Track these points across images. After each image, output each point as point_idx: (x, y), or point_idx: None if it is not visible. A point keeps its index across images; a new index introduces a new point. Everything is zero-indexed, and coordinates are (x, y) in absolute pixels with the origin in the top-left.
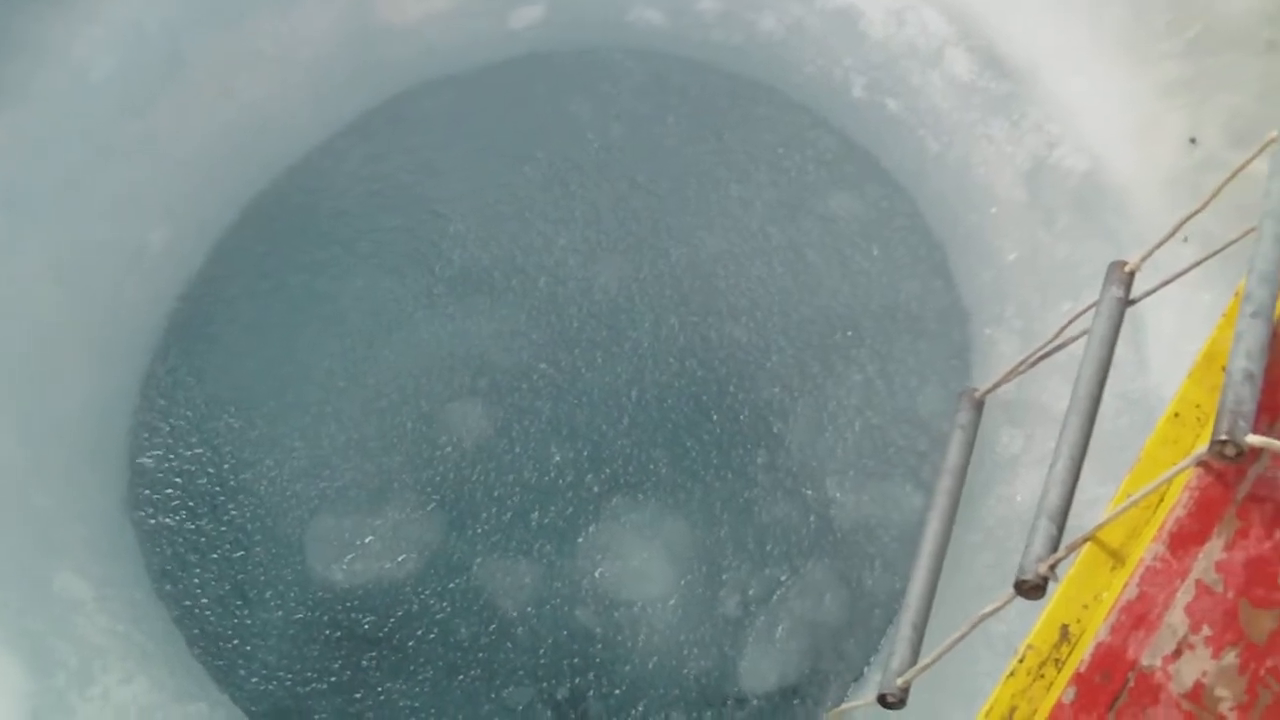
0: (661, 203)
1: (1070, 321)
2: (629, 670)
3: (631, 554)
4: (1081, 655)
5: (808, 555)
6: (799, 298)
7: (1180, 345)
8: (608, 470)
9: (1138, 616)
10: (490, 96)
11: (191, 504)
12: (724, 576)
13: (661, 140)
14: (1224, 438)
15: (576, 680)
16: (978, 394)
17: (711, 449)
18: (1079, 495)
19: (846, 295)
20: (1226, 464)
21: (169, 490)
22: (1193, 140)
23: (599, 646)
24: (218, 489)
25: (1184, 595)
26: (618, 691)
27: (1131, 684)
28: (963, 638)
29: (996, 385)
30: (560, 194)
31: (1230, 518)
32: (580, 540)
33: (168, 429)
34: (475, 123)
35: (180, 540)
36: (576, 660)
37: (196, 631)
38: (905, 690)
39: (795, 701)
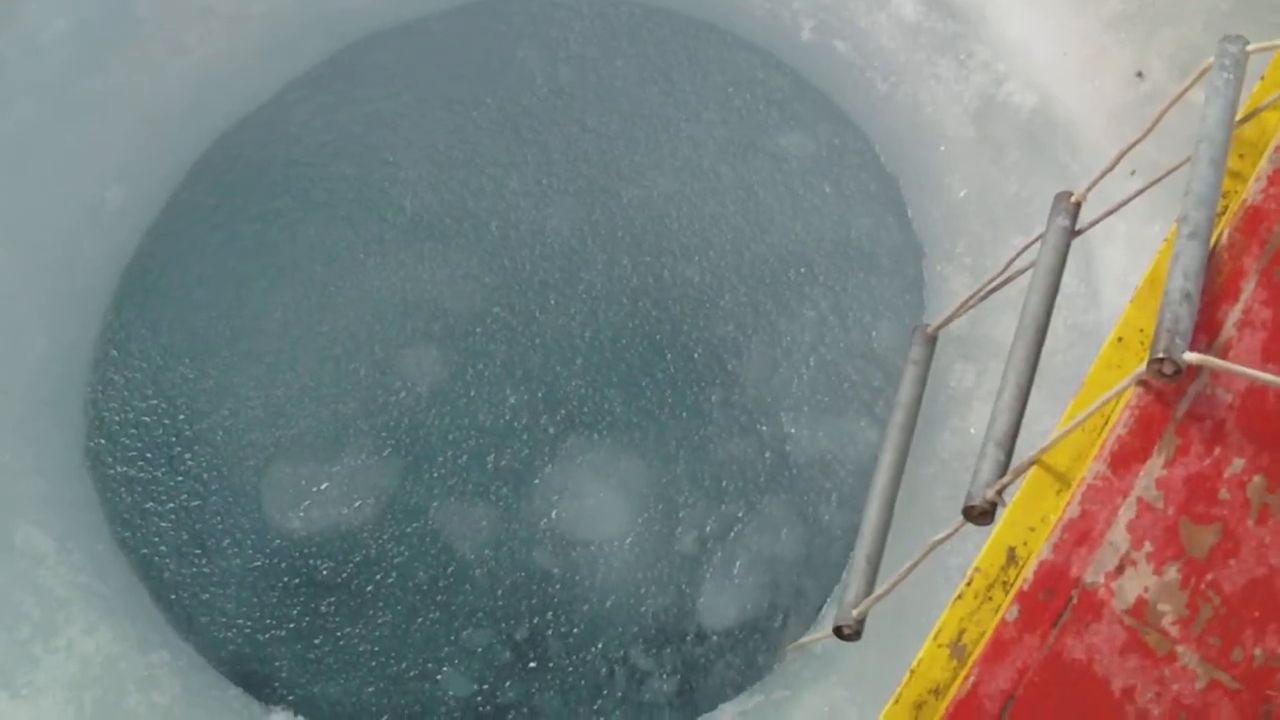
0: (612, 145)
1: (1018, 254)
2: (587, 609)
3: (588, 494)
4: (1024, 574)
5: (764, 491)
6: (751, 236)
7: (1130, 278)
8: (563, 411)
9: (1080, 534)
10: (439, 45)
11: (149, 455)
12: (681, 514)
13: (611, 83)
14: (1161, 355)
15: (535, 620)
16: (930, 329)
17: (666, 388)
18: (1032, 427)
19: (799, 233)
20: (1166, 383)
21: (125, 441)
22: (1139, 74)
23: (557, 587)
24: (174, 439)
25: (1126, 513)
26: (576, 630)
27: (1075, 601)
28: (915, 566)
29: (948, 320)
30: (510, 139)
31: (1170, 436)
32: (537, 482)
33: (123, 381)
34: (424, 71)
35: (139, 491)
36: (535, 601)
37: (157, 581)
38: (861, 621)
39: (754, 636)
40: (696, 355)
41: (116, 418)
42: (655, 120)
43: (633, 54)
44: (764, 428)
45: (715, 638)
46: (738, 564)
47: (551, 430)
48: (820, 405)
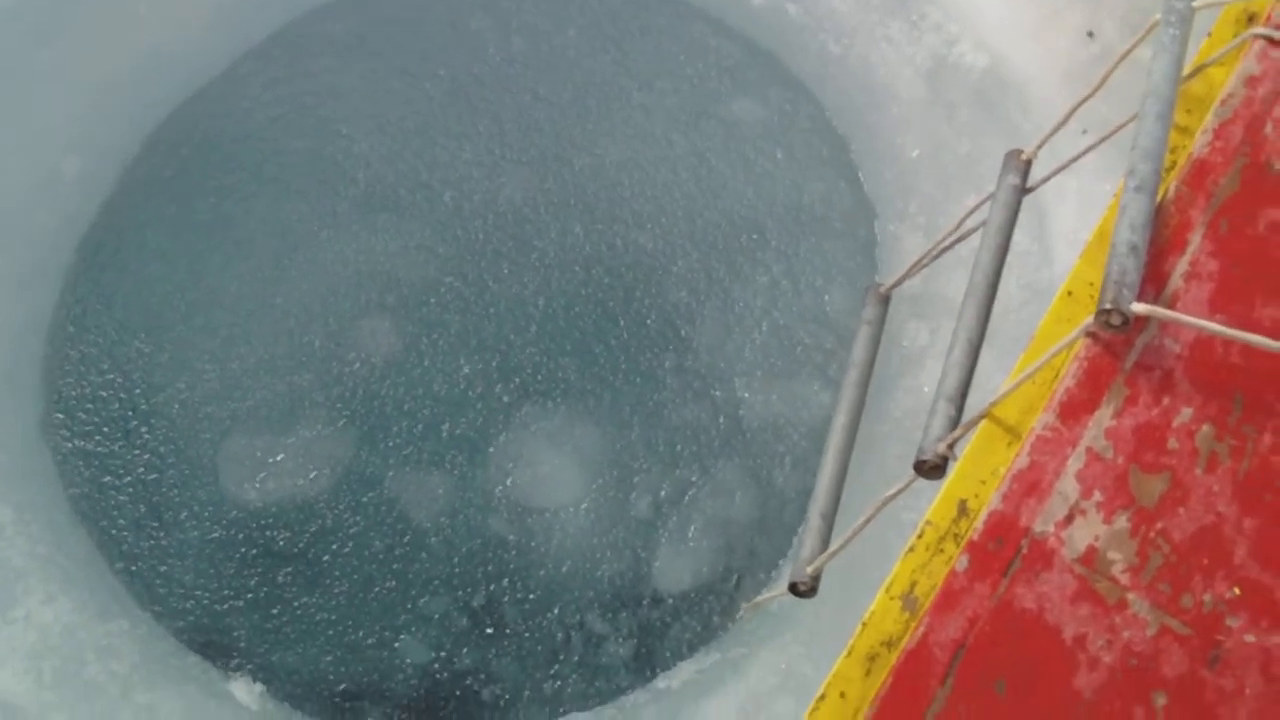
0: (564, 114)
1: (970, 212)
2: (543, 575)
3: (543, 461)
4: (974, 525)
5: (718, 455)
6: (704, 202)
7: (1081, 235)
8: (517, 380)
9: (1029, 484)
10: (391, 16)
11: (106, 429)
12: (635, 479)
13: (563, 52)
14: (1109, 307)
15: (491, 587)
16: (883, 289)
17: (620, 354)
18: (985, 384)
19: (751, 198)
20: (1114, 334)
21: (83, 415)
22: (1090, 34)
23: (513, 553)
24: (131, 413)
25: (1075, 463)
26: (533, 596)
27: (1025, 550)
28: (868, 521)
29: (901, 279)
30: (463, 109)
31: (1119, 386)
32: (492, 450)
33: (79, 356)
34: (376, 43)
35: (96, 464)
36: (491, 568)
37: (115, 553)
38: (816, 578)
39: (709, 599)
40: (650, 322)
41: (73, 392)
42: (607, 89)
43: (585, 23)
44: (717, 392)
45: (671, 601)
46: (692, 528)
47: (506, 398)
48: (773, 369)
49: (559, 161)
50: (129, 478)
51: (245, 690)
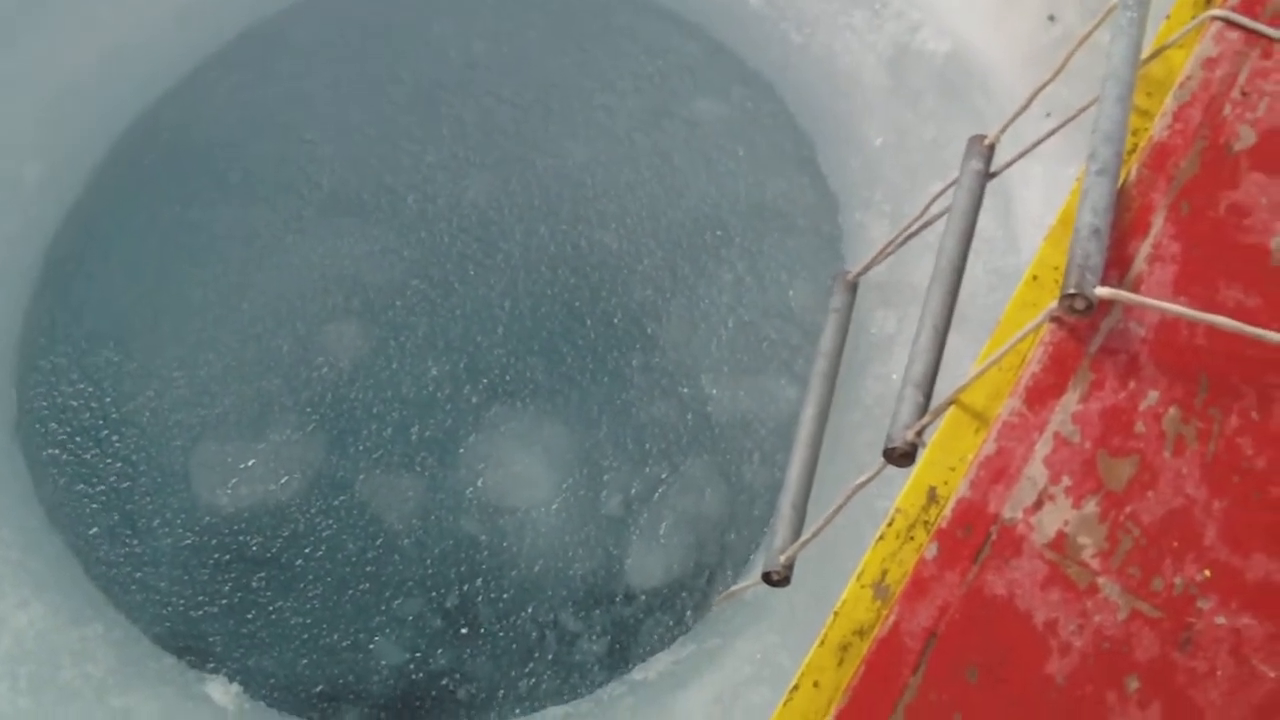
0: (527, 115)
1: (935, 198)
2: (516, 575)
3: (513, 461)
4: (943, 512)
5: (687, 452)
6: (667, 201)
7: (1047, 220)
8: (485, 381)
9: (997, 471)
10: (354, 21)
11: (78, 439)
12: (605, 478)
13: (525, 54)
14: (1073, 291)
15: (465, 588)
16: (850, 276)
17: (587, 354)
18: (954, 370)
19: (714, 196)
20: (1078, 319)
21: (54, 425)
22: (1051, 18)
23: (485, 554)
24: (101, 422)
25: (1042, 448)
26: (506, 596)
27: (994, 537)
28: (839, 509)
29: (868, 267)
30: (426, 113)
31: (1084, 371)
32: (461, 451)
33: (49, 366)
34: (340, 48)
35: (69, 473)
36: (464, 569)
37: (89, 560)
38: (789, 567)
39: (681, 595)
40: (616, 320)
41: (44, 403)
42: (569, 90)
43: (545, 26)
44: (685, 389)
45: (643, 597)
46: (663, 524)
47: (474, 400)
48: (740, 365)
49: (522, 163)
50: (101, 486)
51: (222, 691)
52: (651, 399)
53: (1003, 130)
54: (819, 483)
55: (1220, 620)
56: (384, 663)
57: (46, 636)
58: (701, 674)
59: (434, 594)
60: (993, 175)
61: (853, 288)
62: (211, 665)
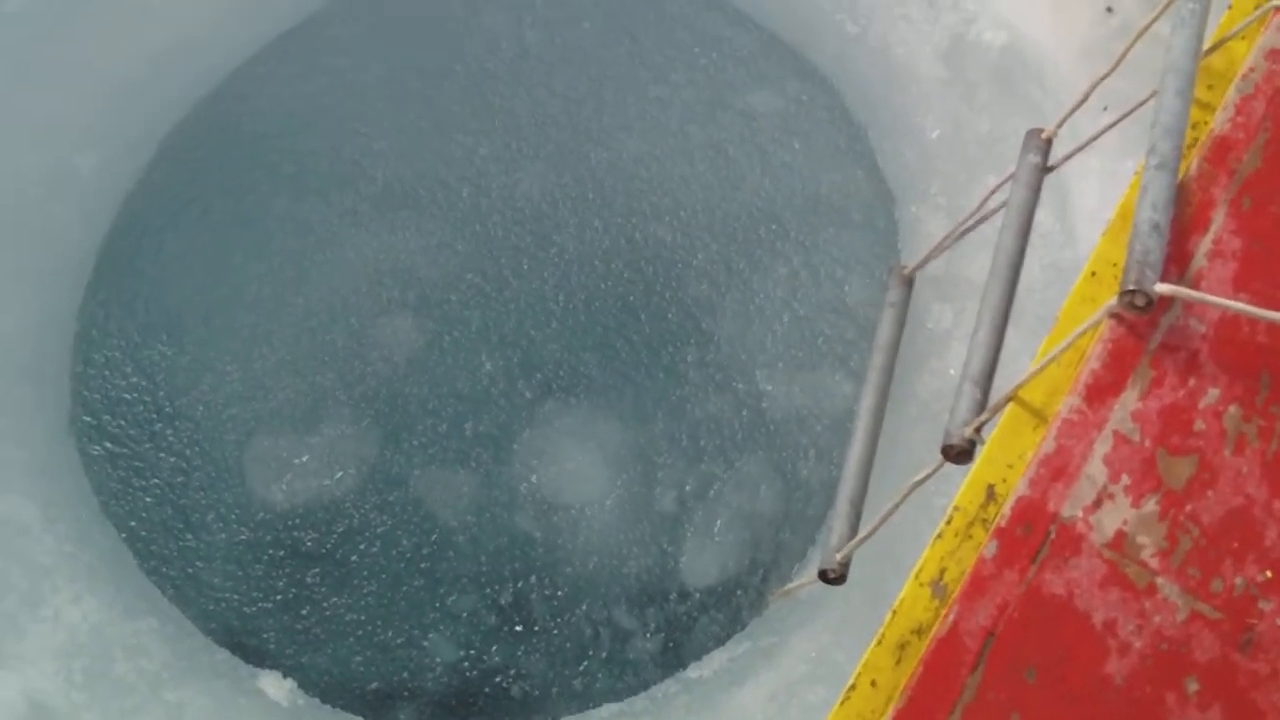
0: (580, 108)
1: (992, 192)
2: (570, 572)
3: (567, 457)
4: (1002, 510)
5: (741, 449)
6: (722, 195)
7: (1105, 215)
8: (539, 376)
9: (1056, 469)
10: (406, 13)
11: (132, 433)
12: (659, 474)
13: (577, 46)
14: (1132, 288)
15: (519, 584)
16: (906, 270)
17: (641, 349)
18: (1011, 366)
19: (769, 190)
20: (1138, 315)
21: (108, 418)
22: (1109, 9)
23: (540, 550)
24: (155, 416)
25: (1101, 446)
26: (560, 593)
27: (1053, 536)
28: (896, 507)
29: (925, 261)
30: (479, 106)
31: (1144, 368)
32: (516, 447)
33: (103, 360)
34: (392, 40)
35: (123, 467)
36: (518, 565)
37: (143, 554)
38: (845, 565)
39: (736, 593)
40: (670, 315)
41: (98, 396)
42: (623, 82)
43: (599, 16)
44: (740, 385)
45: (698, 595)
46: (718, 522)
47: (529, 395)
48: (795, 361)
49: (576, 156)
50: (156, 480)
51: (275, 686)
52: (706, 395)
53: (1061, 124)
54: (875, 479)
55: None
56: (438, 660)
57: (100, 630)
58: (757, 672)
59: (488, 591)
60: (1050, 169)
61: (909, 282)
62: (266, 661)
